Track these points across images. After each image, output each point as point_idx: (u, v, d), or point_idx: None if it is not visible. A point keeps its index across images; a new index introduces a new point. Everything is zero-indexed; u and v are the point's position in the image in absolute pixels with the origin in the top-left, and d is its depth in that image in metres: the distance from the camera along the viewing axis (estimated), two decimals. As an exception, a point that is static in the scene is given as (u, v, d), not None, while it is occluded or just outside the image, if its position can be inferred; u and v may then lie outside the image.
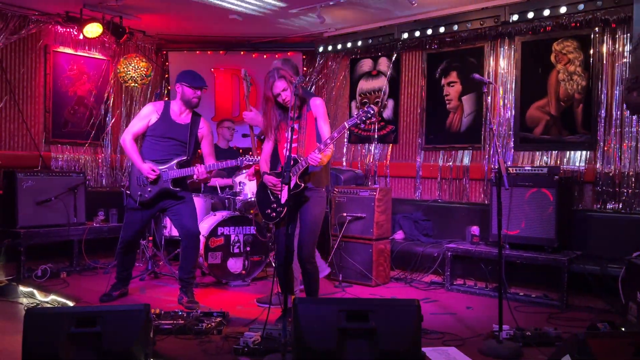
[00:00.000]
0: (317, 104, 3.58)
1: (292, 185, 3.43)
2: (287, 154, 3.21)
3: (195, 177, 4.09)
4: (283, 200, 3.57)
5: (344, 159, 6.84)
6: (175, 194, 4.16)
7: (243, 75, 4.61)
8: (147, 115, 4.18)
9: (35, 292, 4.57)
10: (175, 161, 4.11)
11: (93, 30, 5.89)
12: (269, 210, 3.65)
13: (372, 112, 3.26)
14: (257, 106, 7.20)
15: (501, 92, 5.56)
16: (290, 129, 3.21)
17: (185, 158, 4.14)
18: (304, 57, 7.03)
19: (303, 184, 3.50)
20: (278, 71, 3.54)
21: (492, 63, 5.65)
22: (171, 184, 4.10)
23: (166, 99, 7.05)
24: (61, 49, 6.28)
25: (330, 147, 3.42)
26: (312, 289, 3.65)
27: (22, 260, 4.96)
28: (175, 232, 4.90)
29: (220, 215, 5.04)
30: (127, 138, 4.15)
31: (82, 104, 6.48)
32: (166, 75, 7.20)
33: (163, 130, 4.14)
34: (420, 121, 6.20)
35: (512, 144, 5.45)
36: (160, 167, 4.10)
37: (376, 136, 6.55)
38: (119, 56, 6.64)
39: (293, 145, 3.48)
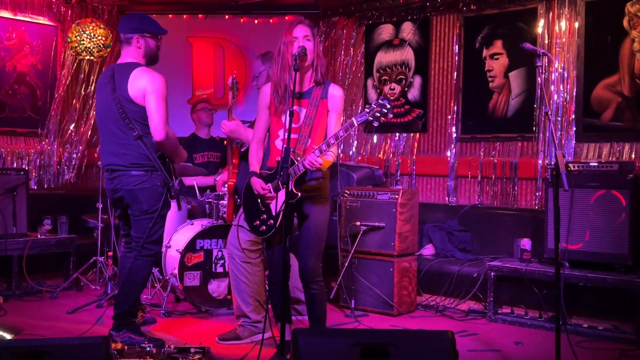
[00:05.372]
0: (336, 95, 3.62)
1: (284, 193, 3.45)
2: (284, 145, 3.24)
3: None
4: (274, 211, 3.53)
5: (351, 152, 6.86)
6: None
7: (230, 84, 4.64)
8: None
9: (-36, 322, 4.61)
10: None
11: (37, -13, 5.94)
12: (258, 222, 3.64)
13: (388, 107, 3.32)
14: (244, 94, 7.25)
15: (559, 66, 5.56)
16: (289, 108, 3.26)
17: None
18: (306, 22, 7.05)
19: (300, 194, 3.47)
20: (305, 21, 3.64)
21: (547, 29, 5.66)
22: None
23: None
24: (-4, 13, 6.33)
25: (333, 148, 3.45)
26: (318, 315, 3.64)
27: (-56, 282, 5.00)
28: None
29: (200, 224, 5.06)
30: None
31: (23, 82, 6.52)
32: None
33: None
34: (455, 104, 6.21)
35: (573, 133, 5.46)
36: None
37: (399, 123, 6.56)
38: (70, 22, 6.67)
39: (292, 136, 3.49)
